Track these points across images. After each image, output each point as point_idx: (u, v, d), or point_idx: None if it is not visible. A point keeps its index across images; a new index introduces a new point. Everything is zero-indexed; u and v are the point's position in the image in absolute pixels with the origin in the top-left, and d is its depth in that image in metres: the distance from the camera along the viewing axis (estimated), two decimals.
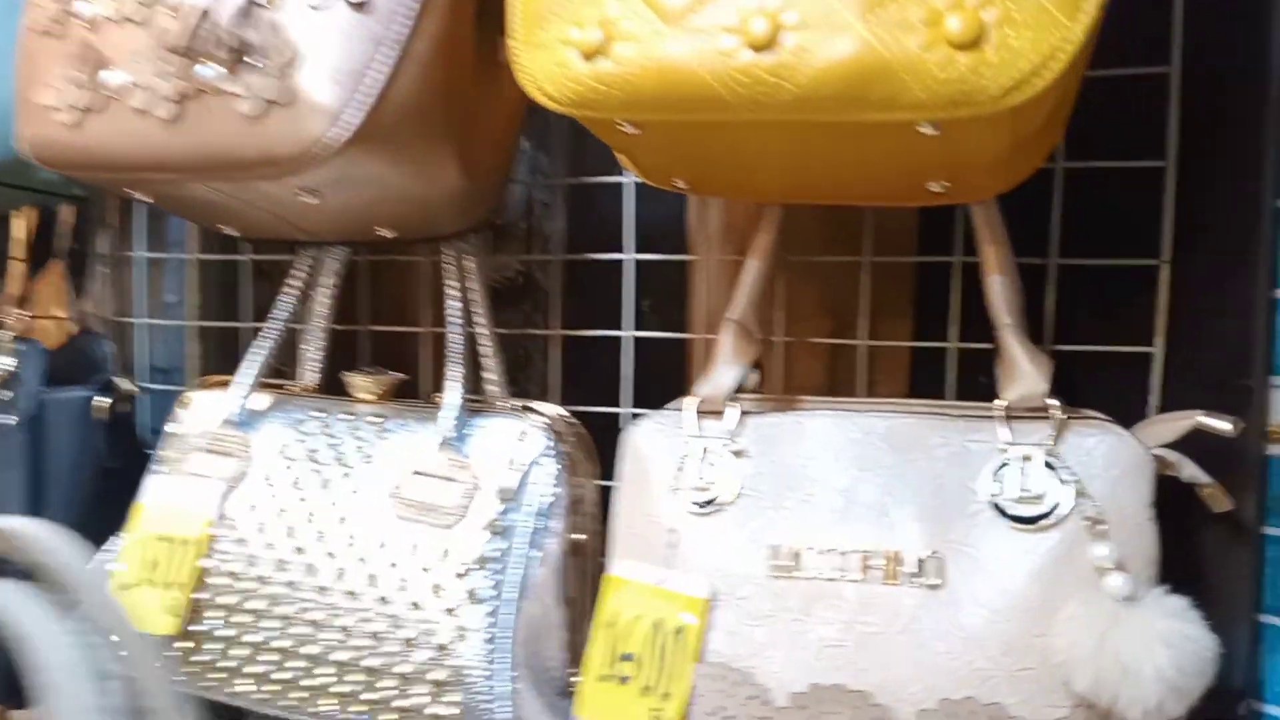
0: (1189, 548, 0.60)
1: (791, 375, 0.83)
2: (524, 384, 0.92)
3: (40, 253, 1.02)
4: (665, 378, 0.97)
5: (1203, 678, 0.49)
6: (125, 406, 0.94)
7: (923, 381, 0.79)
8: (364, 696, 0.70)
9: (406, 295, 0.99)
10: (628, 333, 0.85)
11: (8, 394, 0.93)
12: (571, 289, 0.93)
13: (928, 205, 0.65)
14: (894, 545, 0.59)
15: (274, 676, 0.73)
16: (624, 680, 0.64)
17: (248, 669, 0.74)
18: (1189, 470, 0.58)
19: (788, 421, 0.66)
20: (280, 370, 0.90)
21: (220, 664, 0.75)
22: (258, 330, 0.87)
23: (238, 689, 0.75)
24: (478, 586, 0.69)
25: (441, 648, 0.68)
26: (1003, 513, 0.58)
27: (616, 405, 0.85)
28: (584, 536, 0.74)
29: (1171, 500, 0.58)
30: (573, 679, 0.72)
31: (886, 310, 0.82)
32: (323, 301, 0.89)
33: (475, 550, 0.70)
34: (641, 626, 0.64)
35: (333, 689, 0.71)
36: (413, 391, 0.89)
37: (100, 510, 0.90)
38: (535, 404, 0.78)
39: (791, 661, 0.59)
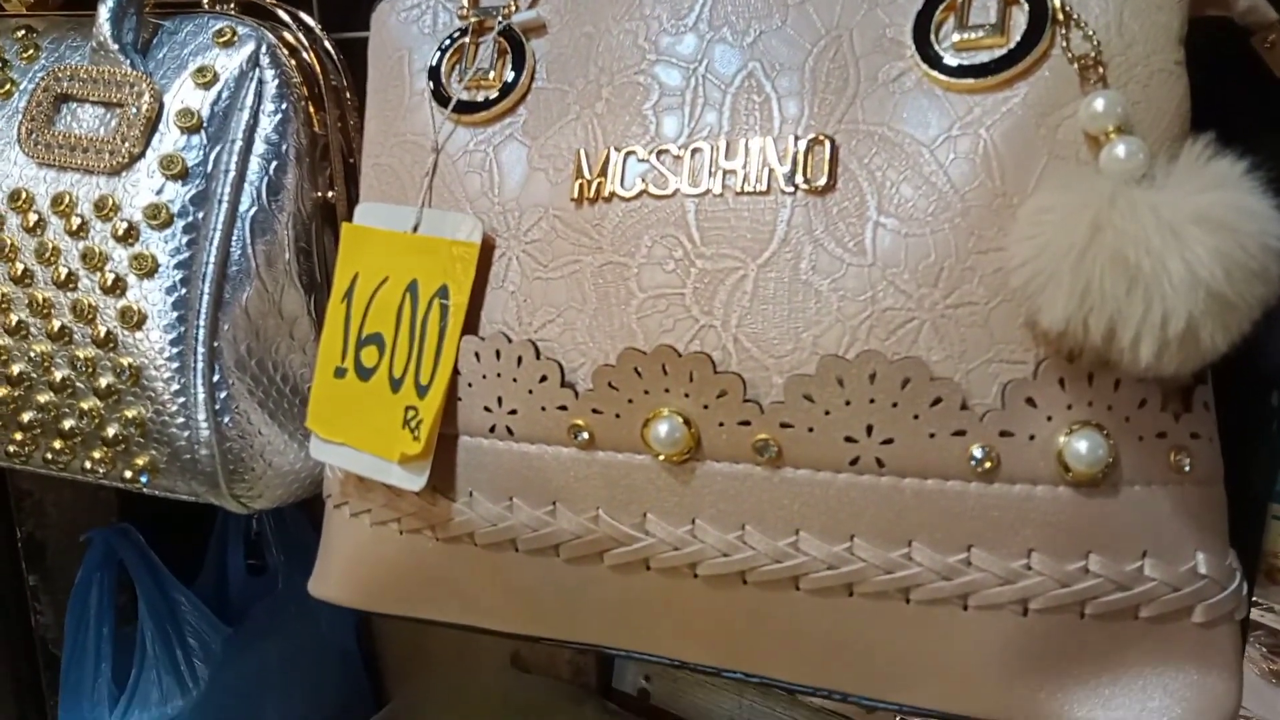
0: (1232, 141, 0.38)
1: None
2: None
3: None
4: None
5: (1264, 284, 0.28)
6: None
7: None
8: (15, 419, 0.48)
9: None
10: None
11: None
12: None
13: None
14: (763, 134, 0.36)
15: None
16: (367, 373, 0.42)
17: None
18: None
19: None
20: None
21: None
22: None
23: None
24: (151, 252, 0.46)
25: (105, 340, 0.45)
26: (938, 65, 0.35)
27: None
28: (336, 195, 0.51)
29: (1209, 64, 0.35)
30: None
31: None
32: None
33: (143, 200, 0.46)
34: (390, 295, 0.42)
35: (15, 415, 0.49)
36: None
37: None
38: (268, 5, 0.52)
39: (603, 325, 0.37)
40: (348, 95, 0.52)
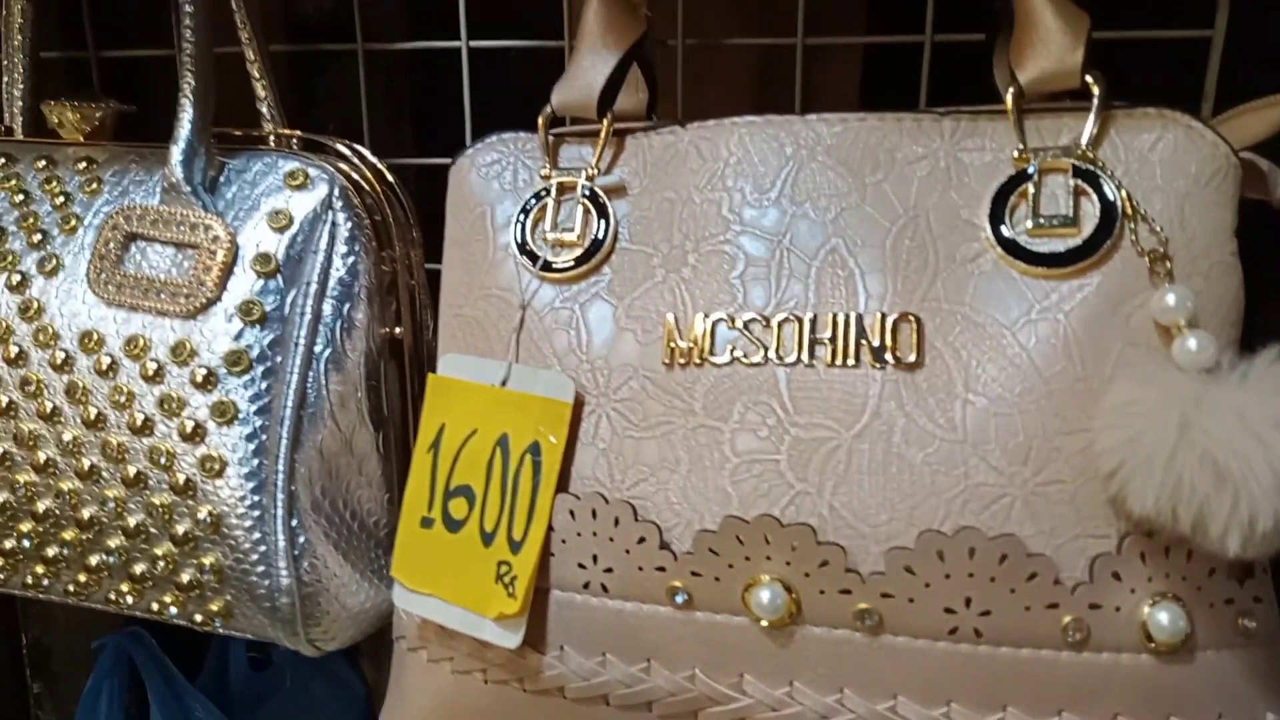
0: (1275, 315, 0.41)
1: (702, 99, 0.60)
2: (319, 120, 0.66)
3: None
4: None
5: None
6: None
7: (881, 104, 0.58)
8: (82, 562, 0.48)
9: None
10: (463, 43, 0.60)
11: None
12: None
13: None
14: (849, 309, 0.39)
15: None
16: (456, 524, 0.43)
17: None
18: None
19: (686, 142, 0.43)
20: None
21: None
22: None
23: None
24: (232, 399, 0.46)
25: (184, 488, 0.46)
26: (1015, 251, 0.38)
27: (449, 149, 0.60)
28: (404, 331, 0.52)
29: (1254, 239, 0.39)
30: None
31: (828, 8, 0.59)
32: (17, 9, 0.60)
33: (223, 346, 0.47)
34: (479, 448, 0.43)
35: (37, 552, 0.49)
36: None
37: None
38: (327, 140, 0.54)
39: (697, 486, 0.39)
40: (413, 231, 0.53)
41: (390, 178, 0.53)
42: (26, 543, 0.49)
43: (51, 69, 0.67)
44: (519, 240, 0.45)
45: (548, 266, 0.44)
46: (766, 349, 0.39)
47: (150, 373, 0.47)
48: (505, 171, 0.47)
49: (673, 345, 0.41)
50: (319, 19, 0.79)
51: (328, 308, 0.49)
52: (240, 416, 0.46)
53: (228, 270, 0.48)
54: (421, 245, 0.54)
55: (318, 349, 0.48)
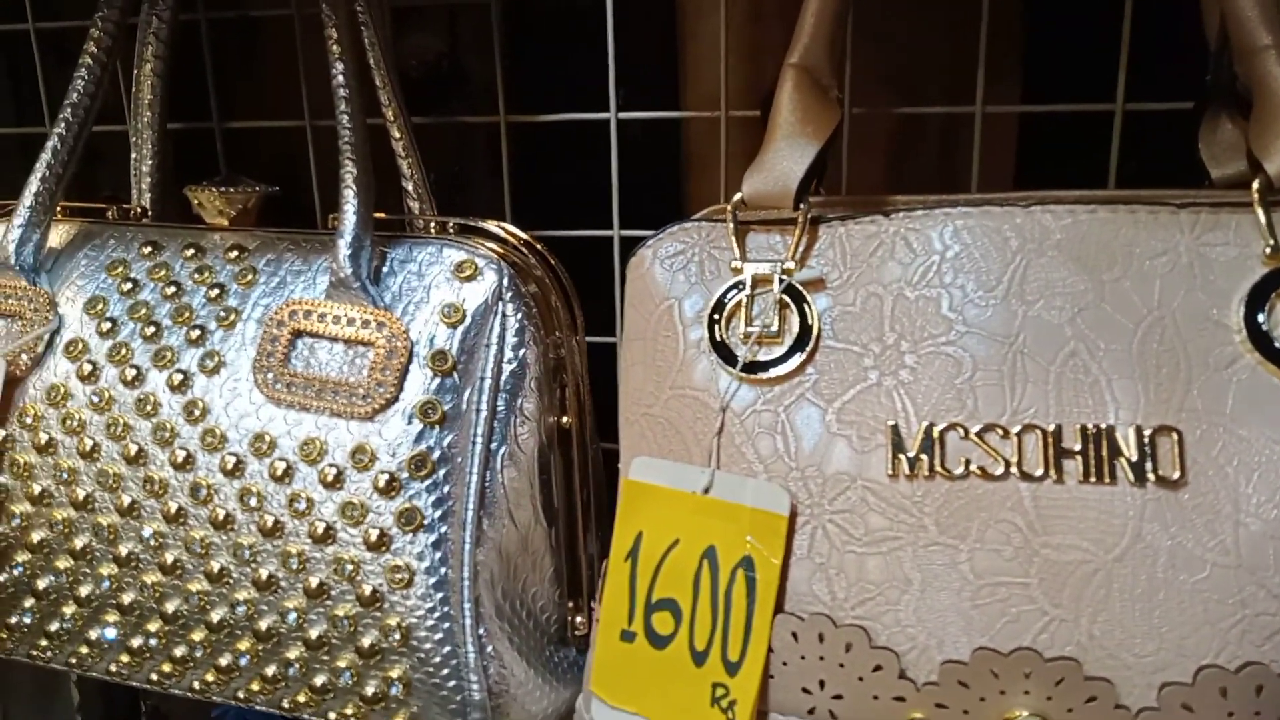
0: None
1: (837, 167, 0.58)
2: (461, 204, 0.65)
3: None
4: (656, 192, 0.72)
5: None
6: None
7: (1039, 179, 0.55)
8: (258, 671, 0.47)
9: (274, 71, 0.70)
10: (612, 114, 0.58)
11: None
12: (516, 75, 0.65)
13: None
14: (1096, 419, 0.37)
15: (127, 643, 0.49)
16: (662, 641, 0.41)
17: (86, 631, 0.49)
18: None
19: (892, 233, 0.41)
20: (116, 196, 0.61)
21: (47, 627, 0.50)
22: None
23: (75, 658, 0.51)
24: (416, 505, 0.45)
25: (370, 599, 0.44)
26: (1275, 357, 0.35)
27: (597, 225, 0.59)
28: (570, 419, 0.50)
29: None
30: (578, 621, 0.50)
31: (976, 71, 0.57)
32: (148, 85, 0.59)
33: (406, 449, 0.45)
34: (684, 561, 0.41)
35: (209, 661, 0.47)
36: (302, 216, 0.62)
37: None
38: (480, 222, 0.52)
39: (932, 608, 0.37)
40: (576, 314, 0.51)
41: (552, 260, 0.52)
42: (199, 651, 0.47)
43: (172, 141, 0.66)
44: (713, 337, 0.43)
45: (750, 367, 0.42)
46: (1007, 461, 0.37)
47: (330, 479, 0.45)
48: (691, 263, 0.45)
49: (899, 456, 0.38)
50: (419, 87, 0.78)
51: (501, 402, 0.47)
52: (426, 523, 0.44)
53: (404, 369, 0.46)
54: (583, 328, 0.52)
55: (494, 446, 0.47)
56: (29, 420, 0.50)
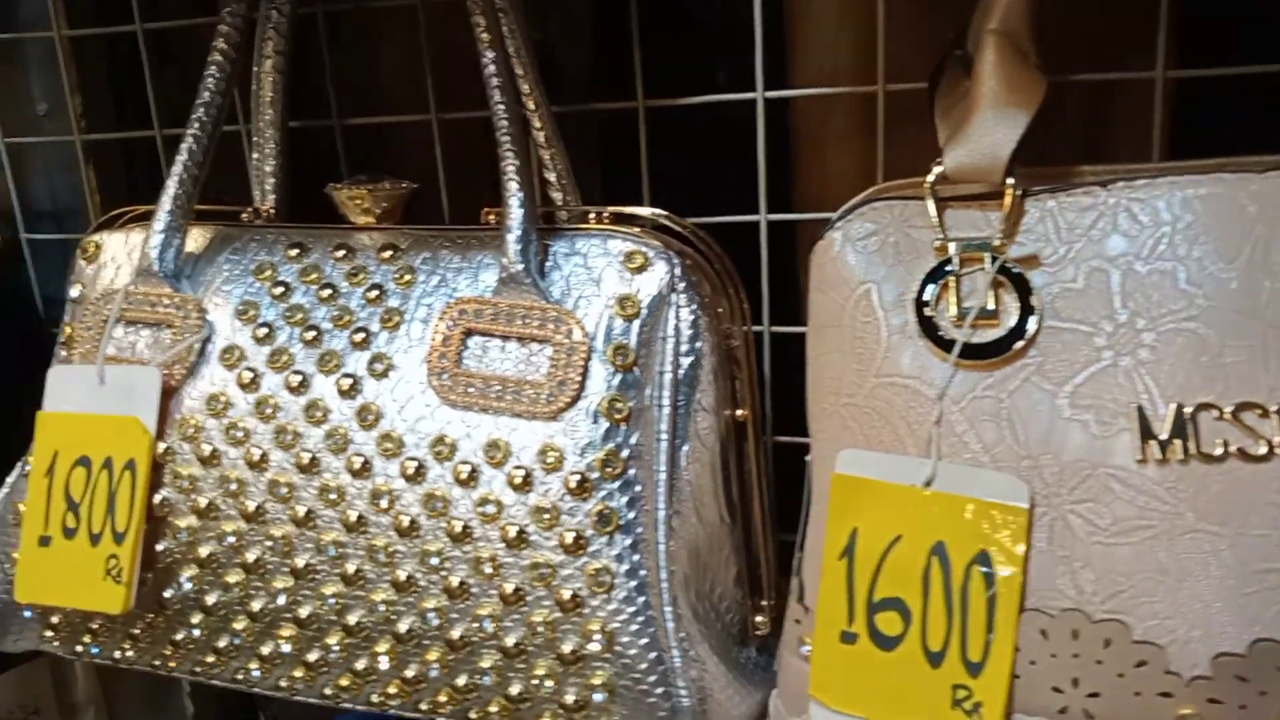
0: None
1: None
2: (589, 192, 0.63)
3: None
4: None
5: None
6: None
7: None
8: (448, 682, 0.45)
9: (387, 67, 0.68)
10: (759, 94, 0.56)
11: None
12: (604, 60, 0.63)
13: None
14: None
15: (303, 657, 0.47)
16: (888, 642, 0.39)
17: (258, 647, 0.48)
18: None
19: (1112, 204, 0.39)
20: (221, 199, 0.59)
21: (216, 643, 0.49)
22: (159, 142, 0.57)
23: (244, 674, 0.50)
24: (610, 506, 0.43)
25: (570, 604, 0.43)
26: None
27: (714, 211, 0.56)
28: (745, 412, 0.48)
29: None
30: (758, 621, 0.48)
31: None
32: (269, 83, 0.57)
33: (595, 448, 0.43)
34: (909, 558, 0.39)
35: (395, 674, 0.46)
36: (430, 211, 0.60)
37: None
38: (636, 210, 0.50)
39: (1195, 600, 0.35)
40: (742, 303, 0.49)
41: (717, 248, 0.50)
42: (384, 663, 0.46)
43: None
44: (922, 321, 0.41)
45: (968, 351, 0.40)
46: (1270, 442, 0.35)
47: (518, 481, 0.43)
48: (886, 244, 0.43)
49: (1148, 440, 0.36)
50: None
51: (681, 397, 0.45)
52: (622, 524, 0.43)
53: (585, 365, 0.44)
54: (750, 317, 0.50)
55: (678, 442, 0.45)
56: (190, 432, 0.48)
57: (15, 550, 0.52)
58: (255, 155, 0.59)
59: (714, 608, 0.46)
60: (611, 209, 0.51)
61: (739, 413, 0.48)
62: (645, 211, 0.51)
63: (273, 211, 0.57)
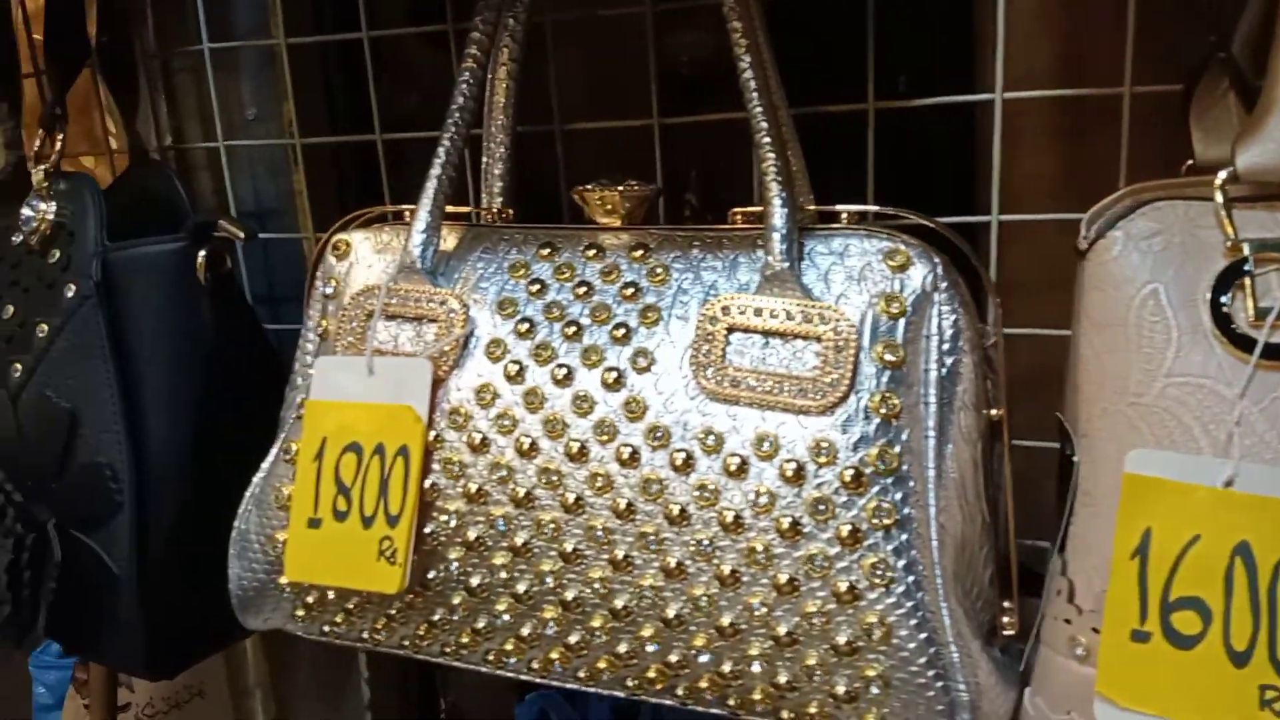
0: None
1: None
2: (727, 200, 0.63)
3: (62, 49, 0.71)
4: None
5: None
6: (224, 264, 0.66)
7: None
8: (714, 668, 0.46)
9: (602, 72, 0.70)
10: (997, 95, 0.57)
11: (57, 254, 0.65)
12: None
13: None
14: None
15: (564, 639, 0.49)
16: (1186, 640, 0.39)
17: (517, 628, 0.50)
18: None
19: None
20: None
21: (475, 623, 0.51)
22: (388, 144, 0.59)
23: (494, 654, 0.52)
24: (885, 501, 0.44)
25: (847, 595, 0.44)
26: None
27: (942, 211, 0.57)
28: (999, 412, 0.49)
29: None
30: (1006, 620, 0.48)
31: None
32: (503, 88, 0.60)
33: (868, 444, 0.44)
34: (1209, 555, 0.39)
35: (658, 658, 0.47)
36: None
37: (218, 415, 0.65)
38: (888, 209, 0.51)
39: None
40: (995, 304, 0.50)
41: (964, 248, 0.50)
42: (650, 647, 0.47)
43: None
44: (1218, 321, 0.41)
45: (1268, 352, 0.40)
46: None
47: (790, 474, 0.45)
48: (1171, 244, 0.43)
49: None
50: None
51: (946, 395, 0.46)
52: (899, 519, 0.44)
53: (855, 362, 0.45)
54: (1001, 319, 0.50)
55: (943, 440, 0.46)
56: (459, 420, 0.51)
57: (277, 531, 0.55)
58: (485, 158, 0.62)
59: (973, 606, 0.46)
60: (869, 207, 0.52)
61: (994, 412, 0.48)
62: (909, 215, 0.52)
63: (510, 213, 0.59)
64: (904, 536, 0.44)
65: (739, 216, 0.52)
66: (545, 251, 0.53)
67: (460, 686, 0.83)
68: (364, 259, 0.57)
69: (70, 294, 0.63)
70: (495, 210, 0.60)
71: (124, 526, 0.61)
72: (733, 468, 0.46)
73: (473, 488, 0.50)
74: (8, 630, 0.61)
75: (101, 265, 0.63)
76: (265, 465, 0.57)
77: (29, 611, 0.61)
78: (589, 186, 0.55)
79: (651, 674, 0.48)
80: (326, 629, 0.56)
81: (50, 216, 0.65)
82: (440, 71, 0.81)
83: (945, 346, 0.46)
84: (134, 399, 0.62)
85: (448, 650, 0.53)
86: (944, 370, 0.46)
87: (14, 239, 0.67)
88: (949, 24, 0.77)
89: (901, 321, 0.46)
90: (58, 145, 0.67)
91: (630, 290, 0.50)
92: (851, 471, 0.44)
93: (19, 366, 0.65)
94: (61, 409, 0.62)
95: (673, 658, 0.47)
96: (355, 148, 0.76)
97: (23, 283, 0.66)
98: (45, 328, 0.64)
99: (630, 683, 0.49)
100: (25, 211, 0.66)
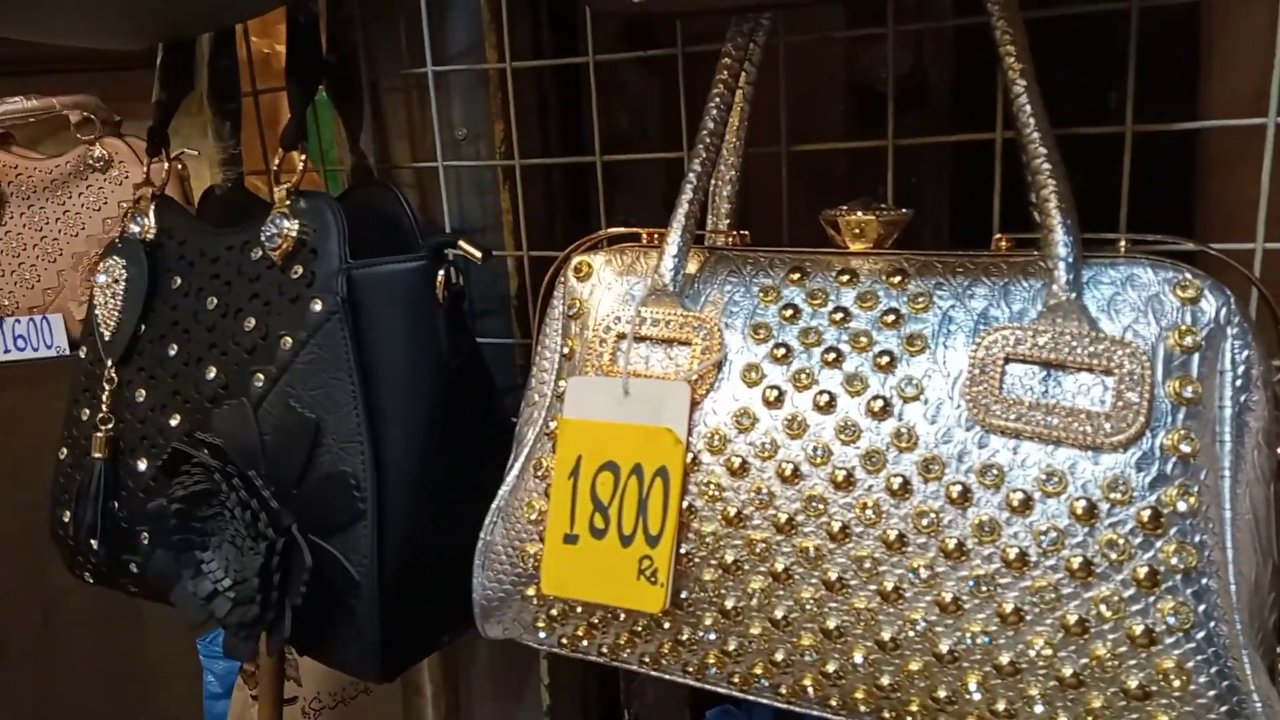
0: None
1: None
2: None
3: (302, 71, 0.74)
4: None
5: None
6: (457, 282, 0.68)
7: None
8: (988, 706, 0.46)
9: (797, 93, 0.70)
10: (1270, 119, 0.54)
11: (299, 269, 0.68)
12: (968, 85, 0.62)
13: None
14: None
15: (822, 667, 0.49)
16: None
17: (771, 653, 0.50)
18: None
19: None
20: (627, 220, 0.63)
21: (726, 645, 0.51)
22: (598, 167, 0.59)
23: (740, 677, 0.52)
24: (1185, 543, 0.43)
25: (1142, 639, 0.42)
26: None
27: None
28: None
29: None
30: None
31: None
32: (739, 110, 0.60)
33: (1166, 483, 0.43)
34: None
35: (926, 693, 0.47)
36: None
37: (446, 426, 0.67)
38: (1166, 238, 0.50)
39: None
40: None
41: (1253, 280, 0.48)
42: (918, 681, 0.47)
43: None
44: None
45: None
46: None
47: (1080, 512, 0.44)
48: None
49: None
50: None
51: (1239, 432, 0.44)
52: (1198, 564, 0.42)
53: (1151, 398, 0.44)
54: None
55: (1237, 481, 0.44)
56: (716, 443, 0.51)
57: (526, 544, 0.56)
58: (715, 181, 0.62)
59: (1262, 653, 0.45)
60: (1145, 236, 0.50)
61: None
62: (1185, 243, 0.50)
63: (746, 235, 0.60)
64: (1204, 580, 0.42)
65: (1004, 242, 0.51)
66: (795, 276, 0.54)
67: (643, 696, 0.84)
68: (605, 280, 0.58)
69: (317, 309, 0.66)
70: (725, 232, 0.60)
71: (366, 533, 0.63)
72: (1015, 503, 0.45)
73: (731, 511, 0.50)
74: (254, 631, 0.64)
75: (346, 281, 0.66)
76: (510, 479, 0.59)
77: (276, 614, 0.64)
78: (842, 209, 0.54)
79: (914, 707, 0.48)
80: (565, 640, 0.57)
81: (293, 234, 0.68)
82: (647, 93, 0.82)
83: (1239, 383, 0.45)
84: (374, 411, 0.65)
85: (690, 669, 0.54)
86: (1238, 407, 0.44)
87: (253, 254, 0.71)
88: (1171, 41, 0.74)
89: (1196, 356, 0.44)
90: (299, 164, 0.71)
91: (891, 317, 0.50)
92: (1149, 511, 0.43)
93: (261, 377, 0.68)
94: (306, 419, 0.65)
95: (941, 693, 0.47)
96: (566, 168, 0.78)
97: (263, 296, 0.70)
98: (290, 340, 0.67)
99: (887, 714, 0.49)
100: (269, 229, 0.69)
